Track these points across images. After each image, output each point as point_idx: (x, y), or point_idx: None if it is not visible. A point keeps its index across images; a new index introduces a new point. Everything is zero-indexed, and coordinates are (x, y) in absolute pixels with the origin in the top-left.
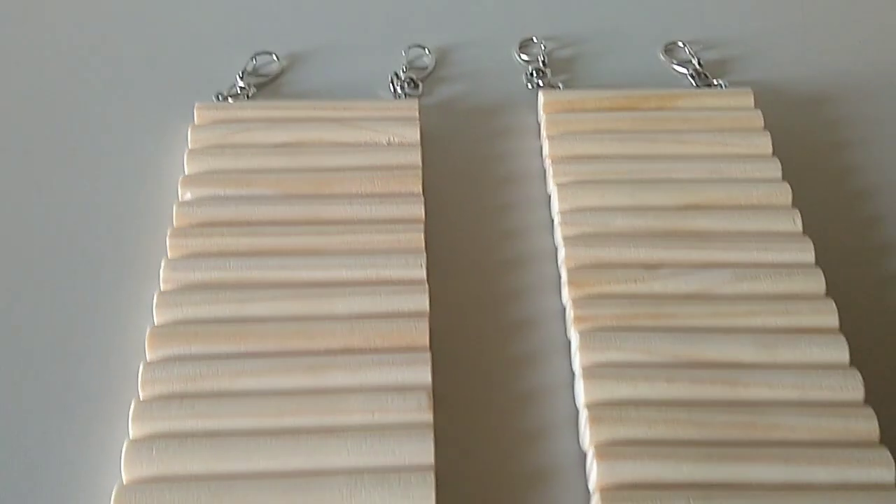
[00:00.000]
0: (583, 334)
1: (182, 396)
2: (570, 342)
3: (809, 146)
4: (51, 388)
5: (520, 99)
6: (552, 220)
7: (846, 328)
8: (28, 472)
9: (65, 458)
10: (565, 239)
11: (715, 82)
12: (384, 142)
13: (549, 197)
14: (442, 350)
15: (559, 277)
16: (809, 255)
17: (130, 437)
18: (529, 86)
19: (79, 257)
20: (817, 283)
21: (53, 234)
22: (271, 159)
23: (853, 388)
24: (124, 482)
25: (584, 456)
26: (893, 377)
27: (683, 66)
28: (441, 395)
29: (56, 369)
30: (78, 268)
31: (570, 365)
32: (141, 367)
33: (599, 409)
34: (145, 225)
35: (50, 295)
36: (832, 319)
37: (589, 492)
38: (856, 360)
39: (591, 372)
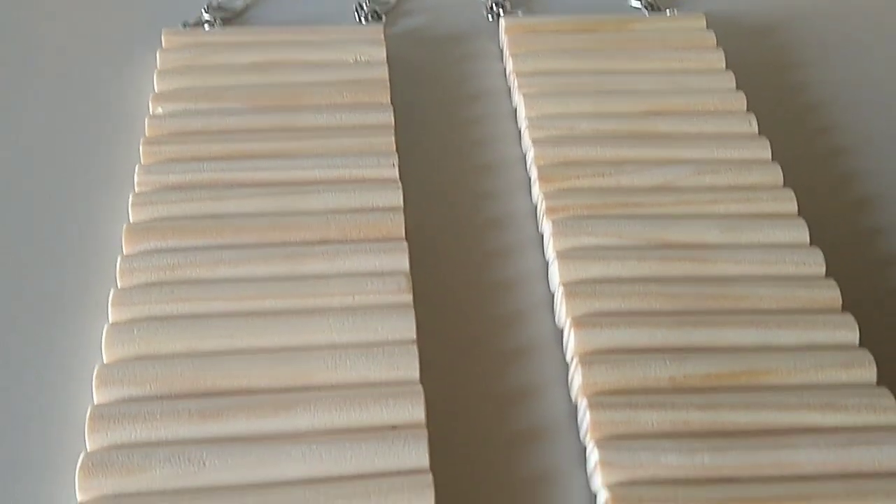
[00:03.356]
0: (555, 222)
1: (161, 284)
2: (542, 236)
3: (761, 69)
4: (29, 284)
5: (481, 28)
6: (519, 131)
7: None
8: (7, 369)
9: (45, 345)
10: (534, 141)
11: (668, 13)
12: (351, 60)
13: (515, 110)
14: (418, 243)
15: (529, 180)
16: (766, 152)
17: (110, 321)
18: (490, 17)
19: (52, 171)
20: (775, 175)
21: (30, 149)
22: (241, 77)
23: (815, 263)
24: (105, 363)
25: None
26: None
27: (638, 0)
28: (420, 320)
29: (35, 266)
30: (53, 180)
31: (543, 255)
32: (119, 260)
33: (574, 286)
34: (117, 141)
35: (29, 200)
36: (791, 206)
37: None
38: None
39: (565, 254)
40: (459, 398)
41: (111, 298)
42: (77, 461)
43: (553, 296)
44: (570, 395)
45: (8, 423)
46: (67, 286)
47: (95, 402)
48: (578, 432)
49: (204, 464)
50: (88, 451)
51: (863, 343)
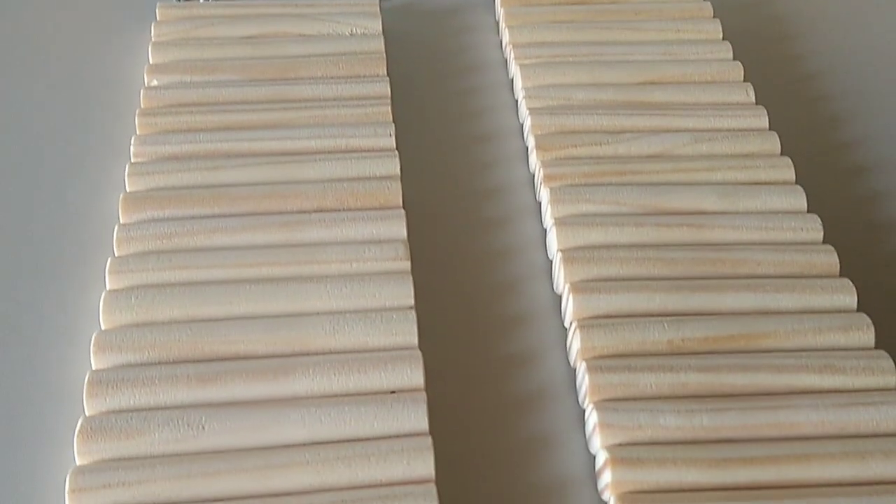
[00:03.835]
0: (553, 190)
1: (159, 252)
2: (539, 204)
3: (758, 40)
4: (27, 253)
5: (477, 1)
6: (515, 101)
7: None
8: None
9: (43, 313)
10: (531, 110)
11: None
12: (347, 33)
13: (512, 82)
14: (415, 212)
15: (526, 150)
16: (764, 121)
17: (108, 289)
18: None
19: (50, 143)
20: (773, 143)
21: (28, 121)
22: (236, 49)
23: (813, 229)
24: (103, 329)
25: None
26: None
27: None
28: (418, 288)
29: (32, 236)
30: (51, 152)
31: (541, 223)
32: (116, 229)
33: (572, 252)
34: (113, 113)
35: (27, 171)
36: (789, 173)
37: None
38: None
39: (563, 221)
40: (458, 364)
41: (108, 266)
42: (75, 426)
43: (551, 263)
44: (568, 360)
45: (6, 389)
46: (65, 255)
47: (93, 368)
48: (577, 396)
49: (203, 427)
50: (87, 415)
51: (861, 308)
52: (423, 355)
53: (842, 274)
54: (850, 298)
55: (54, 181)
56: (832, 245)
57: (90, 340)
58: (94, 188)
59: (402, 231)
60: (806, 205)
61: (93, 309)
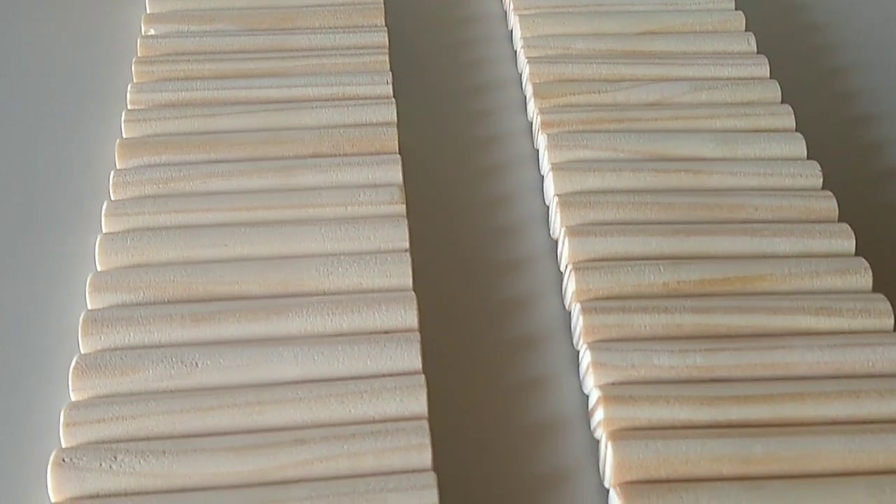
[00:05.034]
0: (551, 136)
1: (155, 196)
2: (537, 152)
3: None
4: (24, 197)
5: None
6: (515, 52)
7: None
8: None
9: (40, 256)
10: (529, 59)
11: None
12: None
13: (511, 33)
14: (412, 160)
15: (524, 99)
16: (764, 70)
17: (104, 231)
18: None
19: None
20: (773, 91)
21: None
22: (232, 0)
23: (812, 175)
24: (99, 270)
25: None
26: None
27: None
28: (414, 233)
29: (30, 181)
30: (47, 99)
31: (539, 170)
32: (112, 174)
33: (569, 197)
34: (110, 62)
35: (25, 118)
36: (789, 121)
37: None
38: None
39: (560, 166)
40: (453, 307)
41: (104, 209)
42: (70, 364)
43: (548, 209)
44: (563, 304)
45: (4, 328)
46: (62, 200)
47: (89, 308)
48: (572, 338)
49: (196, 365)
50: (82, 353)
51: (860, 255)
52: (418, 298)
53: (841, 221)
54: (848, 243)
55: (52, 127)
56: (832, 191)
57: (86, 281)
58: (92, 135)
59: (397, 175)
60: (805, 152)
61: (90, 252)
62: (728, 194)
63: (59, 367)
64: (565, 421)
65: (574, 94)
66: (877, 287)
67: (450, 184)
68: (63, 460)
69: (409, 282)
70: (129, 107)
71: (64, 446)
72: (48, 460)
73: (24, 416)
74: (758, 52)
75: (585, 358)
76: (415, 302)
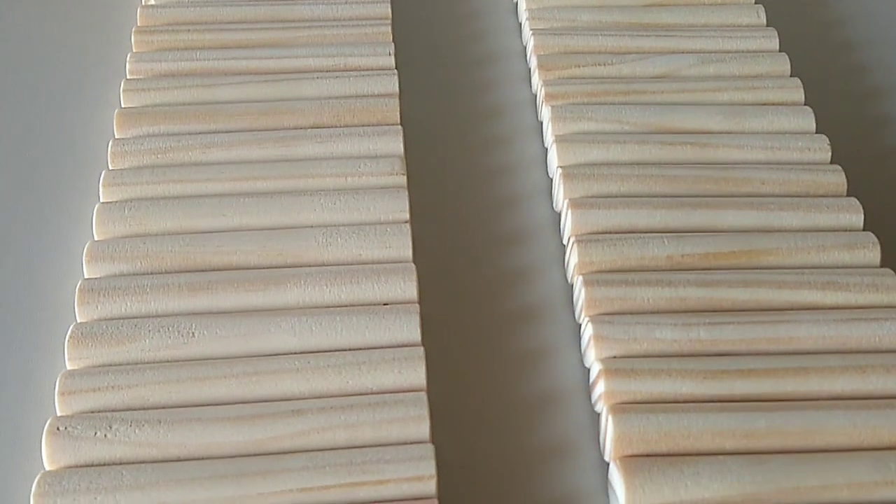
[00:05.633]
0: (555, 108)
1: (153, 166)
2: (541, 124)
3: None
4: (22, 165)
5: None
6: (520, 25)
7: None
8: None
9: (37, 225)
10: (534, 31)
11: None
12: None
13: (516, 6)
14: (414, 132)
15: (528, 71)
16: (774, 42)
17: (101, 201)
18: None
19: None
20: (782, 64)
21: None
22: None
23: (820, 149)
24: (96, 240)
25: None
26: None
27: None
28: (415, 205)
29: (27, 149)
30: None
31: (542, 143)
32: (110, 143)
33: (572, 169)
34: (109, 31)
35: (22, 85)
36: (798, 94)
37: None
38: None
39: (564, 138)
40: (453, 279)
41: (102, 179)
42: (67, 333)
43: (551, 182)
44: (566, 277)
45: (0, 297)
46: (61, 170)
47: (86, 277)
48: (574, 312)
49: (193, 335)
50: (78, 322)
51: (868, 230)
52: (418, 270)
53: (849, 196)
54: (856, 217)
55: (51, 96)
56: (842, 166)
57: (83, 251)
58: (91, 104)
59: (398, 146)
60: (814, 125)
61: (87, 221)
62: (734, 168)
63: (55, 336)
64: (566, 394)
65: (579, 67)
66: (885, 263)
67: (452, 156)
68: (58, 429)
69: (409, 253)
70: (128, 76)
71: (59, 415)
72: (43, 429)
73: (20, 384)
74: (767, 25)
75: (587, 331)
76: (414, 273)
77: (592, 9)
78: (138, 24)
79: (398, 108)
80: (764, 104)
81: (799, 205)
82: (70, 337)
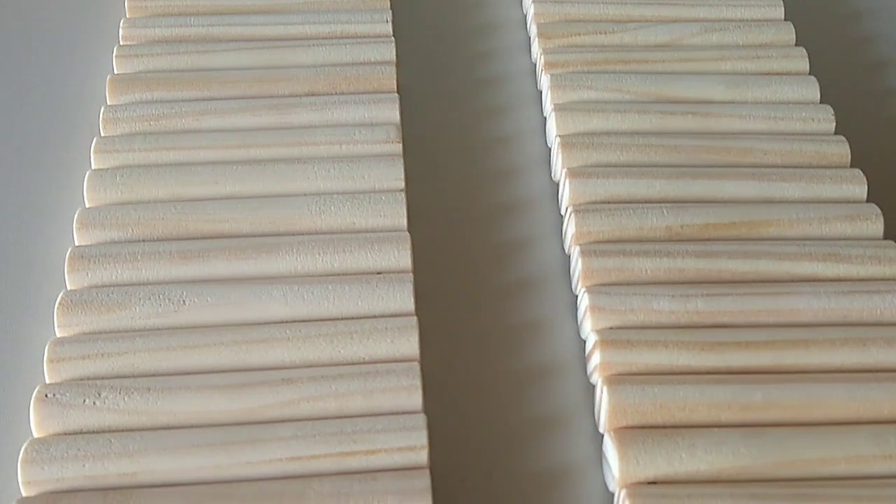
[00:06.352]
0: (554, 76)
1: (146, 133)
2: (540, 93)
3: None
4: (13, 132)
5: None
6: None
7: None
8: None
9: (28, 191)
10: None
11: None
12: None
13: None
14: (410, 100)
15: (529, 40)
16: (779, 11)
17: (93, 167)
18: None
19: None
20: (787, 33)
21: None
22: None
23: (824, 119)
24: (87, 207)
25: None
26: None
27: None
28: (410, 173)
29: (18, 116)
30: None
31: (542, 112)
32: (102, 110)
33: (571, 137)
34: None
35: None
36: (803, 64)
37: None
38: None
39: (563, 107)
40: (449, 249)
41: (94, 146)
42: (56, 300)
43: (550, 151)
44: (563, 248)
45: None
46: (52, 135)
47: (76, 244)
48: (571, 282)
49: (184, 302)
50: (68, 289)
51: (871, 202)
52: (413, 240)
53: (854, 167)
54: (859, 189)
55: (43, 62)
56: (846, 137)
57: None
58: (83, 71)
59: (394, 114)
60: (819, 95)
61: (78, 188)
62: (736, 138)
63: (45, 303)
64: (561, 366)
65: (579, 35)
66: (888, 235)
67: (450, 125)
68: (46, 396)
69: (404, 222)
70: (120, 42)
71: (48, 382)
72: (32, 396)
73: (8, 351)
74: None
75: (583, 302)
76: (409, 242)
77: None
78: None
79: (395, 76)
80: (768, 74)
81: (801, 176)
82: (59, 304)
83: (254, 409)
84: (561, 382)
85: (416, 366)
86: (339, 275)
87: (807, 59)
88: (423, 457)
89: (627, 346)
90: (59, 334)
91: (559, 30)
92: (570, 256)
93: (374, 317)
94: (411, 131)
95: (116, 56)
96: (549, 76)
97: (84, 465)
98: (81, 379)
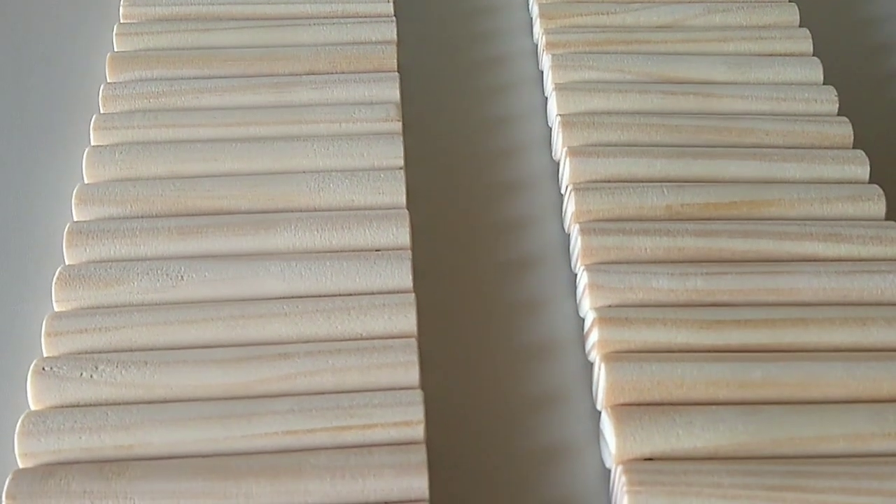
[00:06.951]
0: (555, 56)
1: (145, 110)
2: (542, 74)
3: None
4: (13, 109)
5: None
6: None
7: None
8: None
9: (27, 167)
10: None
11: None
12: None
13: None
14: (411, 80)
15: (530, 20)
16: None
17: (92, 144)
18: None
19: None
20: (791, 14)
21: None
22: None
23: (827, 100)
24: (85, 183)
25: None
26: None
27: None
28: (409, 152)
29: (18, 92)
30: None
31: (543, 92)
32: (101, 87)
33: (572, 117)
34: None
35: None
36: (806, 45)
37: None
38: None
39: (564, 87)
40: (448, 227)
41: (93, 122)
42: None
43: (551, 131)
44: (563, 227)
45: None
46: (52, 112)
47: (75, 220)
48: (571, 261)
49: (182, 278)
50: (66, 264)
51: (874, 183)
52: (413, 218)
53: (856, 148)
54: (862, 170)
55: (43, 39)
56: (850, 119)
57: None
58: (83, 48)
59: (394, 93)
60: (822, 77)
61: (78, 164)
62: (738, 118)
63: (43, 277)
64: (560, 344)
65: (581, 15)
66: (890, 216)
67: (451, 104)
68: (43, 369)
69: (403, 199)
70: (121, 20)
71: (45, 356)
72: (29, 369)
73: (6, 325)
74: None
75: (582, 280)
76: (407, 219)
77: None
78: None
79: (395, 56)
80: (771, 55)
81: (803, 156)
82: (58, 279)
83: (250, 383)
84: (559, 360)
85: (414, 342)
86: (337, 251)
87: (810, 41)
88: (419, 432)
89: (626, 323)
90: (56, 309)
91: (561, 10)
92: (569, 235)
93: (373, 293)
94: (412, 111)
95: (117, 34)
96: (550, 56)
97: (81, 438)
98: (79, 353)
